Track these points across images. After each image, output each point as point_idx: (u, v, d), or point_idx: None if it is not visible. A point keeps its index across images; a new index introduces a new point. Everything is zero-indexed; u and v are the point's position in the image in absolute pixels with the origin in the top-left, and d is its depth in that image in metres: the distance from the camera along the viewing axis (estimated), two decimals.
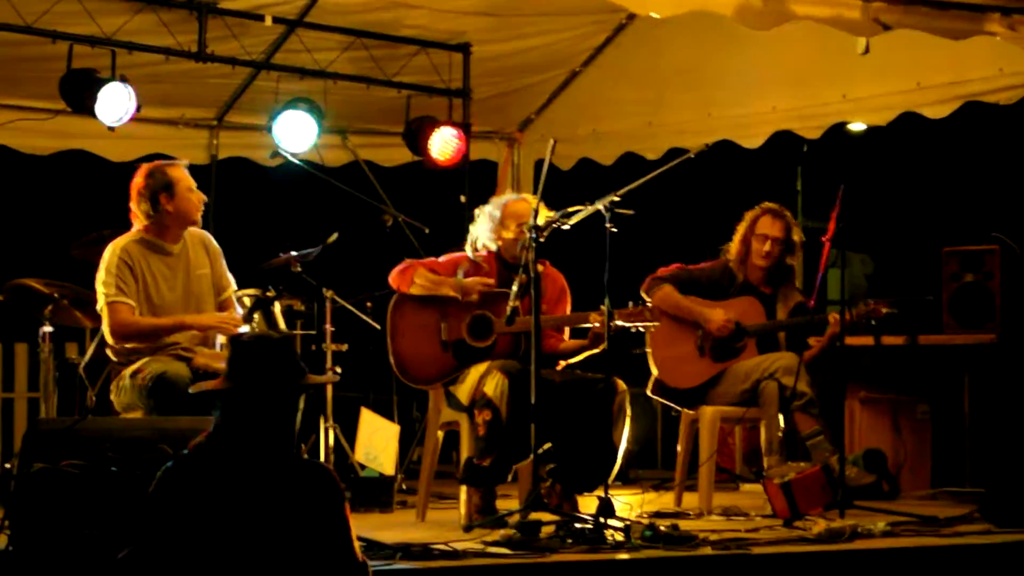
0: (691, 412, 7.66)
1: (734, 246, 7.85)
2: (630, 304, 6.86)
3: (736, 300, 7.75)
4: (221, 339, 6.76)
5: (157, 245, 6.69)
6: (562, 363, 7.16)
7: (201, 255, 6.81)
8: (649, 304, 6.95)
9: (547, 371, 6.81)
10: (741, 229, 7.84)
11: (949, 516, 6.76)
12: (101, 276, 6.59)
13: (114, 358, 6.62)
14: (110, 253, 6.62)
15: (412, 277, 7.10)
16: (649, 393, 7.78)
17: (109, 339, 6.58)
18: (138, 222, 6.71)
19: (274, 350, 4.39)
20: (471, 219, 7.42)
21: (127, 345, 6.55)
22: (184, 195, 6.70)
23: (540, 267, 6.57)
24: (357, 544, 4.37)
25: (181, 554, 4.16)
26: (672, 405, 7.80)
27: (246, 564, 4.16)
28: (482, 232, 7.23)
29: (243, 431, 4.30)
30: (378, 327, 8.35)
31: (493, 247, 7.21)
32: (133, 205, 6.71)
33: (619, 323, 6.77)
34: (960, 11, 6.69)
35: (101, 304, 6.59)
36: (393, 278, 7.16)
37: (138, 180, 6.71)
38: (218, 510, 4.18)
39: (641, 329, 7.00)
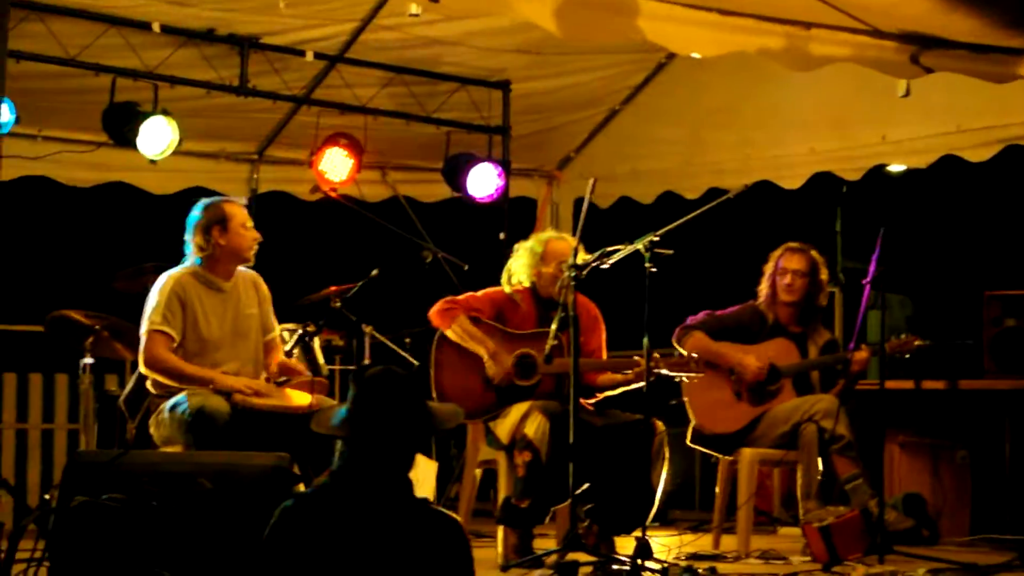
0: (730, 458, 7.63)
1: (762, 288, 7.85)
2: (675, 354, 6.86)
3: (768, 343, 7.73)
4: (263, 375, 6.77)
5: (209, 280, 6.70)
6: (600, 395, 7.14)
7: (251, 295, 6.83)
8: (694, 354, 6.94)
9: (587, 412, 6.79)
10: (767, 270, 7.85)
11: (988, 563, 6.70)
12: (151, 303, 6.60)
13: (154, 391, 6.63)
14: (164, 283, 6.64)
15: (452, 322, 7.09)
16: (689, 443, 7.75)
17: (141, 366, 6.60)
18: (192, 255, 6.73)
19: (402, 387, 4.32)
20: (509, 256, 7.42)
21: (156, 377, 6.56)
22: (237, 231, 6.72)
23: (569, 299, 6.57)
24: None
25: None
26: (712, 453, 7.76)
27: None
28: (520, 267, 7.23)
29: (367, 473, 4.20)
30: (416, 363, 8.36)
31: (528, 283, 7.20)
32: (187, 237, 6.74)
33: (664, 372, 6.76)
34: (1001, 55, 6.67)
35: (144, 329, 6.60)
36: (433, 316, 7.15)
37: (194, 212, 6.75)
38: (337, 554, 4.10)
39: (685, 380, 7.00)
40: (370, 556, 4.11)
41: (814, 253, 7.84)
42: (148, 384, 6.67)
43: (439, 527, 4.21)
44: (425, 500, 4.32)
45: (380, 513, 4.17)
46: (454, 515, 4.31)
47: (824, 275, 7.82)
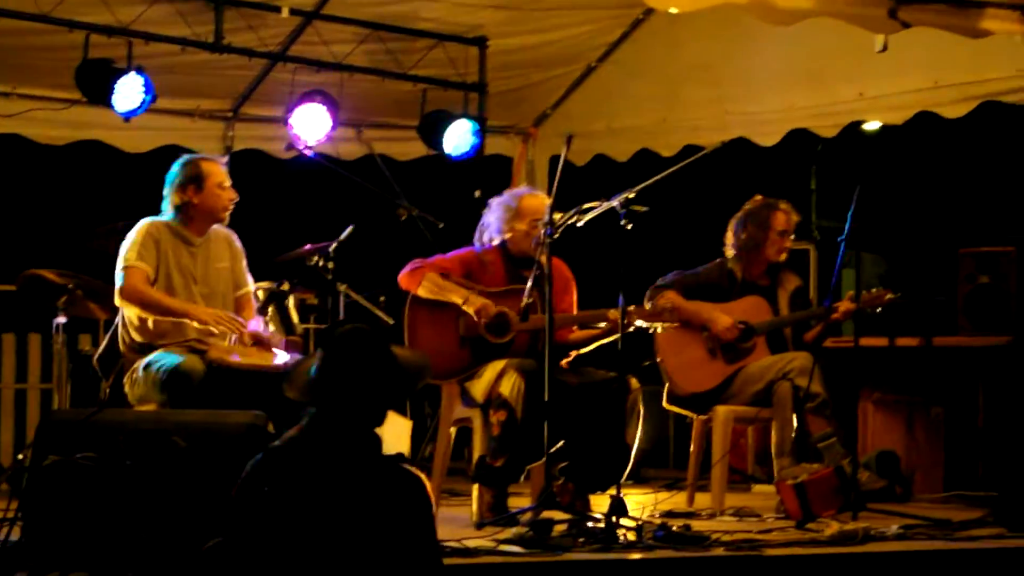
0: (704, 417, 7.64)
1: (738, 242, 7.82)
2: (648, 304, 6.86)
3: (740, 301, 7.74)
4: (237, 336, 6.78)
5: (182, 234, 6.73)
6: (573, 353, 7.13)
7: (223, 250, 6.84)
8: (668, 304, 6.94)
9: (562, 370, 6.79)
10: (750, 227, 7.81)
11: (962, 520, 6.72)
12: (126, 244, 6.62)
13: (128, 343, 6.62)
14: (140, 226, 6.68)
15: (420, 280, 7.05)
16: (665, 405, 7.76)
17: (117, 299, 6.60)
18: (169, 211, 6.72)
19: (370, 346, 4.32)
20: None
21: (132, 312, 6.54)
22: (212, 190, 6.74)
23: (543, 258, 6.56)
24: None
25: (267, 548, 4.12)
26: (687, 413, 7.78)
27: (329, 562, 4.12)
28: (493, 223, 7.21)
29: (337, 427, 4.24)
30: (391, 321, 8.35)
31: (498, 240, 7.18)
32: (165, 191, 6.74)
33: (638, 323, 6.76)
34: (979, 9, 6.65)
35: (119, 267, 6.61)
36: (402, 279, 7.13)
37: (172, 169, 6.77)
38: (306, 506, 4.13)
39: (659, 329, 7.00)
40: (334, 511, 4.14)
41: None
42: (122, 341, 6.66)
43: (402, 484, 4.24)
44: (400, 456, 4.33)
45: (346, 469, 4.20)
46: (418, 472, 4.33)
47: None
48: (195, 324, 6.55)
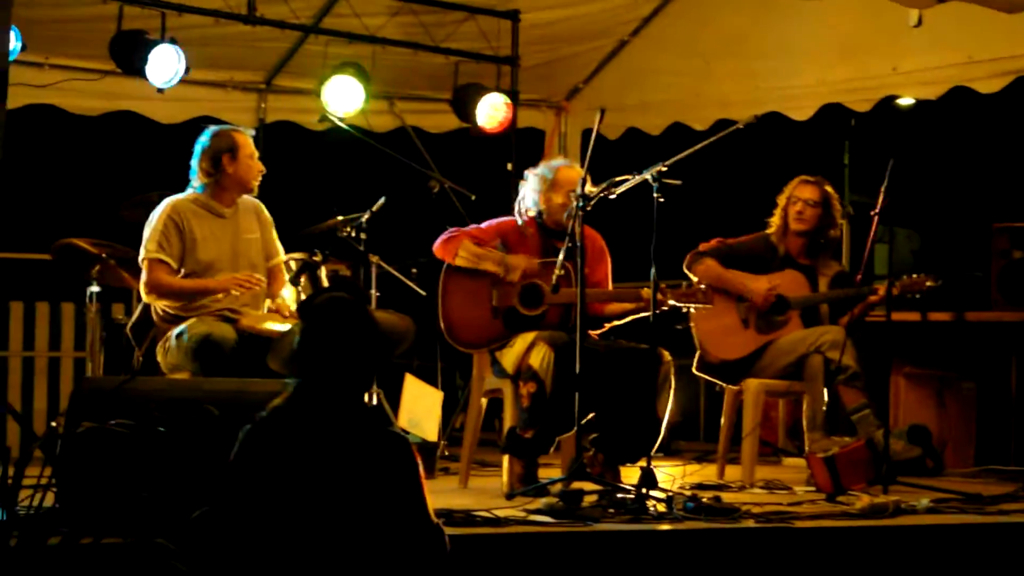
0: (735, 388, 7.64)
1: (775, 219, 7.84)
2: (683, 284, 6.86)
3: (778, 273, 7.72)
4: (268, 303, 6.81)
5: (211, 206, 6.75)
6: (607, 325, 7.14)
7: (252, 221, 6.87)
8: (702, 285, 6.93)
9: (592, 341, 6.80)
10: (780, 201, 7.84)
11: (993, 494, 6.72)
12: (147, 231, 6.65)
13: (160, 314, 6.66)
14: (161, 210, 6.69)
15: (457, 249, 7.07)
16: (694, 371, 7.75)
17: (143, 294, 6.66)
18: (196, 180, 6.74)
19: (349, 315, 4.34)
20: (517, 186, 7.41)
21: (161, 303, 6.59)
22: (245, 161, 6.77)
23: (576, 230, 6.56)
24: (432, 510, 4.35)
25: (258, 516, 4.16)
26: (717, 381, 7.78)
27: (321, 528, 4.16)
28: (529, 194, 7.20)
29: (321, 396, 4.27)
30: (423, 293, 8.37)
31: (534, 211, 7.18)
32: (193, 162, 6.75)
33: (671, 302, 6.76)
34: None
35: (141, 257, 6.65)
36: (437, 248, 7.14)
37: (202, 139, 6.79)
38: (296, 474, 4.17)
39: (693, 310, 7.00)
40: (323, 478, 4.17)
41: (828, 187, 7.80)
42: (154, 311, 6.69)
43: (389, 447, 4.28)
44: (385, 419, 4.37)
45: (332, 436, 4.23)
46: (402, 432, 4.37)
47: (837, 208, 7.79)
48: (219, 295, 6.58)
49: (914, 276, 7.53)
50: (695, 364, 7.72)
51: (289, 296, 6.82)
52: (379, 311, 4.45)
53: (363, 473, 4.21)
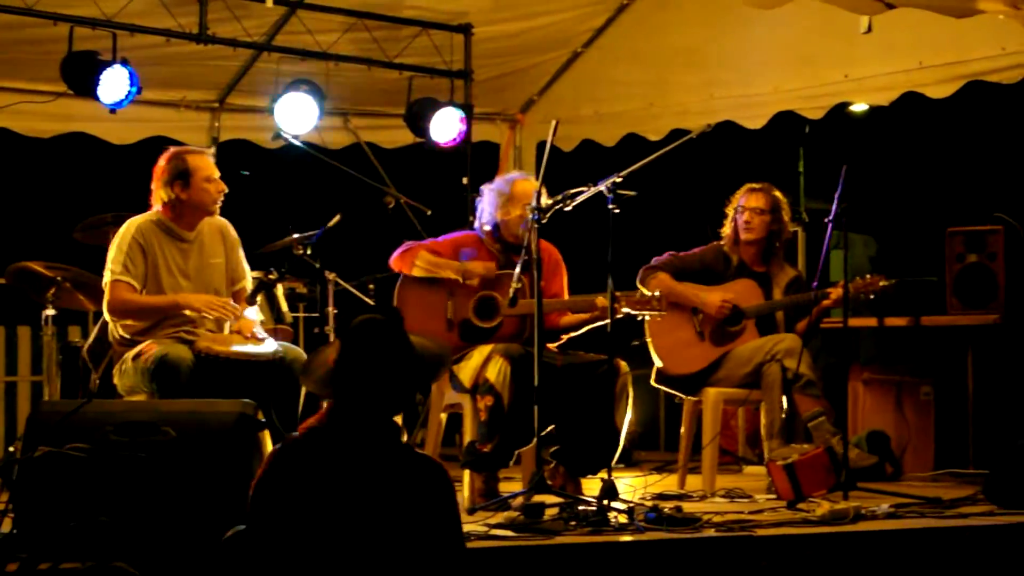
0: (694, 398, 7.65)
1: (726, 229, 7.86)
2: (638, 292, 6.87)
3: (732, 283, 7.75)
4: (229, 324, 6.77)
5: (172, 230, 6.68)
6: (564, 337, 7.15)
7: (216, 244, 6.79)
8: (656, 292, 6.94)
9: (548, 354, 6.80)
10: (729, 211, 7.87)
11: (953, 498, 6.75)
12: (112, 252, 6.59)
13: (117, 337, 6.61)
14: (125, 230, 6.62)
15: (413, 260, 7.09)
16: (653, 383, 7.77)
17: (106, 314, 6.60)
18: (156, 204, 6.70)
19: (385, 336, 4.32)
20: (473, 201, 7.41)
21: (125, 322, 6.54)
22: (200, 185, 6.67)
23: (532, 243, 6.57)
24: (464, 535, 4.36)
25: (289, 536, 4.14)
26: (675, 393, 7.79)
27: (353, 550, 4.13)
28: (486, 209, 7.22)
29: (356, 418, 4.26)
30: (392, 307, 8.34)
31: (491, 226, 7.19)
32: (153, 186, 6.70)
33: (626, 310, 6.77)
34: None
35: (106, 280, 6.59)
36: (394, 261, 7.16)
37: (160, 163, 6.71)
38: (329, 494, 4.15)
39: (647, 317, 7.01)
40: (357, 500, 4.16)
41: (776, 192, 7.84)
42: (111, 335, 6.65)
43: (424, 472, 4.27)
44: (409, 445, 4.36)
45: (367, 459, 4.21)
46: (438, 460, 4.36)
47: (786, 214, 7.84)
48: (188, 312, 6.53)
49: (868, 277, 7.58)
50: (653, 376, 7.74)
51: (253, 315, 6.78)
52: (414, 335, 4.42)
53: (397, 496, 4.19)
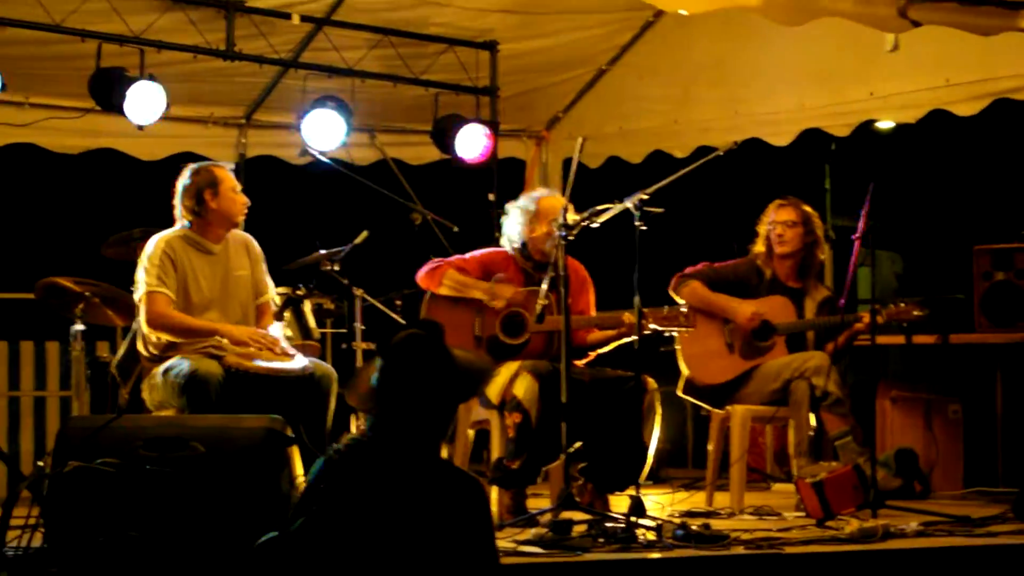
0: (720, 411, 7.64)
1: (758, 246, 7.86)
2: (665, 308, 6.86)
3: (766, 299, 7.73)
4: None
5: (199, 243, 6.72)
6: (592, 354, 7.15)
7: (242, 257, 6.84)
8: (683, 308, 6.93)
9: (576, 370, 6.80)
10: (761, 229, 7.86)
11: (982, 516, 6.73)
12: (143, 265, 6.61)
13: (145, 354, 6.63)
14: (154, 245, 6.65)
15: (441, 278, 7.11)
16: (680, 393, 7.76)
17: (144, 328, 6.60)
18: (181, 219, 6.73)
19: (430, 351, 4.33)
20: (499, 217, 7.42)
21: (160, 337, 6.55)
22: (228, 195, 6.74)
23: (559, 260, 6.57)
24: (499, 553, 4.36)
25: (328, 547, 4.15)
26: (702, 404, 7.79)
27: (391, 564, 4.14)
28: (513, 226, 7.23)
29: (399, 433, 4.27)
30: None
31: (519, 243, 7.20)
32: (176, 202, 6.74)
33: (653, 326, 6.76)
34: (990, 7, 6.64)
35: (140, 293, 6.61)
36: (421, 278, 7.17)
37: (184, 177, 6.75)
38: (370, 508, 4.16)
39: (675, 333, 7.00)
40: (397, 516, 4.16)
41: (805, 206, 7.84)
42: (140, 349, 6.66)
43: (463, 488, 4.28)
44: (449, 461, 4.38)
45: (408, 474, 4.22)
46: (475, 475, 4.36)
47: (818, 226, 7.82)
48: (225, 342, 6.53)
49: (901, 305, 7.54)
50: (681, 387, 7.72)
51: (278, 331, 6.80)
52: (458, 350, 4.42)
53: (435, 510, 4.20)
